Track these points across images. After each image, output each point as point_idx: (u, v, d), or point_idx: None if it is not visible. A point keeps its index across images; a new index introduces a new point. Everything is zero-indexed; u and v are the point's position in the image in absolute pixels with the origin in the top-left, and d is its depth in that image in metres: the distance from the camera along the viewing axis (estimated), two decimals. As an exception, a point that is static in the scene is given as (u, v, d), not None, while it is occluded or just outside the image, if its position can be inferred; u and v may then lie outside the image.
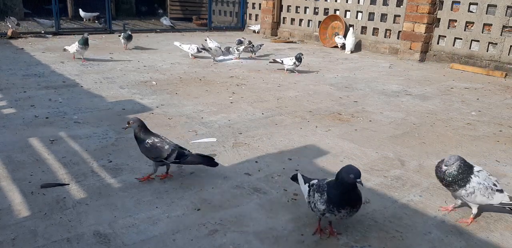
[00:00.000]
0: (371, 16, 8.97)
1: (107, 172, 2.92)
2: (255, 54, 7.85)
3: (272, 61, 6.61)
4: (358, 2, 9.13)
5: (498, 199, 2.44)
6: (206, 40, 7.75)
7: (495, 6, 6.95)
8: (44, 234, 2.20)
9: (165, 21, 11.82)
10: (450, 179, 2.46)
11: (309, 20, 10.39)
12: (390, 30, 8.65)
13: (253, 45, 7.71)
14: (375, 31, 8.96)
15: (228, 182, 2.86)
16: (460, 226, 2.43)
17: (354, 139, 3.76)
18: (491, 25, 7.04)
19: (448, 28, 7.65)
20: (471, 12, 7.32)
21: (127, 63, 6.79)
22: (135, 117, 2.84)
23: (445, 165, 2.47)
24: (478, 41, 7.27)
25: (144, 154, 2.81)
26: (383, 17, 8.74)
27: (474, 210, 2.50)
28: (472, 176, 2.45)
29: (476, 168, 2.49)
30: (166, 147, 2.77)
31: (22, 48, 7.73)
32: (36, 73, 5.80)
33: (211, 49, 7.20)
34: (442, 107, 4.93)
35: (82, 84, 5.32)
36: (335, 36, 9.39)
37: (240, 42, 7.97)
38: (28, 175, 2.83)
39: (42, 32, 9.73)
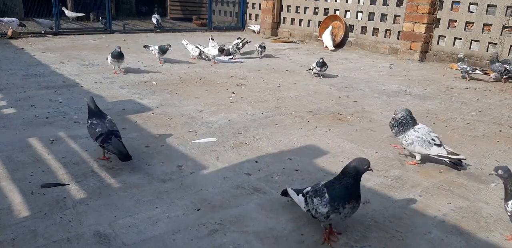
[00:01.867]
0: (371, 16, 8.98)
1: (107, 172, 2.92)
2: (261, 54, 7.80)
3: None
4: (358, 2, 9.13)
5: (435, 151, 3.08)
6: (209, 39, 7.74)
7: (495, 6, 6.96)
8: (44, 234, 2.20)
9: (153, 20, 11.79)
10: (393, 122, 3.16)
11: (309, 20, 10.39)
12: (390, 30, 8.66)
13: (241, 45, 7.64)
14: (375, 31, 8.96)
15: (228, 182, 2.86)
16: (460, 226, 2.43)
17: (354, 139, 3.76)
18: (491, 25, 7.04)
19: (448, 28, 7.66)
20: (471, 12, 7.32)
21: (127, 63, 6.78)
22: (90, 96, 3.24)
23: (394, 114, 3.19)
24: (478, 41, 7.28)
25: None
26: (383, 17, 8.75)
27: (418, 157, 3.21)
28: (412, 130, 3.12)
29: (419, 125, 3.15)
30: (98, 130, 3.02)
31: (22, 48, 7.73)
32: (36, 73, 5.80)
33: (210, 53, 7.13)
34: (442, 107, 4.93)
35: (82, 84, 5.32)
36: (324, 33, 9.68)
37: (221, 50, 7.14)
38: (28, 175, 2.83)
39: (42, 32, 9.74)
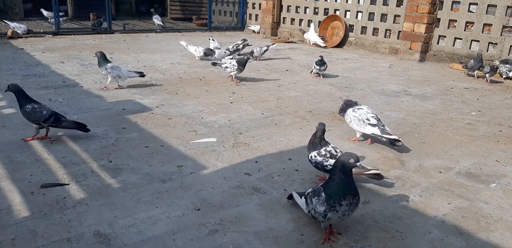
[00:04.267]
0: (371, 16, 8.98)
1: (107, 172, 2.92)
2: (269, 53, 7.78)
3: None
4: (358, 2, 9.14)
5: (370, 130, 3.49)
6: (209, 39, 7.74)
7: (495, 6, 6.96)
8: (44, 234, 2.20)
9: (157, 20, 11.75)
10: (338, 109, 3.75)
11: (309, 20, 10.39)
12: (390, 30, 8.66)
13: (242, 46, 7.60)
14: (375, 31, 8.97)
15: (228, 182, 2.86)
16: (460, 226, 2.43)
17: (354, 139, 3.76)
18: (491, 25, 7.04)
19: (448, 28, 7.66)
20: (471, 12, 7.32)
21: (127, 63, 6.78)
22: (14, 83, 3.45)
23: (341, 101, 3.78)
24: (478, 41, 7.28)
25: (25, 117, 3.34)
26: (383, 17, 8.75)
27: (358, 134, 3.68)
28: (351, 110, 3.61)
29: (358, 106, 3.63)
30: (44, 112, 3.31)
31: (22, 48, 7.73)
32: (36, 73, 5.80)
33: (214, 52, 7.01)
34: (442, 107, 4.93)
35: (82, 84, 5.32)
36: (303, 33, 10.06)
37: (206, 53, 7.02)
38: (28, 175, 2.83)
39: (41, 31, 9.74)
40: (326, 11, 9.93)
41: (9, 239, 2.16)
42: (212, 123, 4.05)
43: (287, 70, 6.79)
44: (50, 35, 9.52)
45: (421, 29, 7.77)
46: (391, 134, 3.44)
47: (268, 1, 11.01)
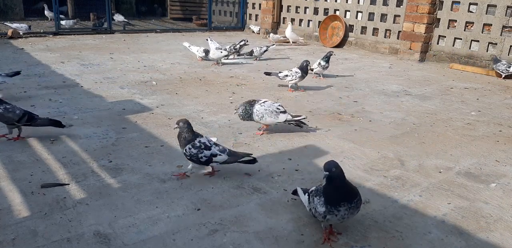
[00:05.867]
0: (371, 16, 8.98)
1: (107, 172, 2.92)
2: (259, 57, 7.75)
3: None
4: (358, 2, 9.13)
5: (283, 118, 3.62)
6: (207, 40, 7.72)
7: (495, 6, 6.96)
8: (44, 234, 2.20)
9: (119, 17, 11.64)
10: (241, 116, 3.65)
11: (309, 20, 10.39)
12: (390, 30, 8.66)
13: (239, 46, 7.56)
14: (375, 31, 8.97)
15: (228, 182, 2.86)
16: (460, 226, 2.43)
17: (354, 139, 3.76)
18: (491, 25, 7.04)
19: (448, 28, 7.66)
20: (471, 12, 7.32)
21: (127, 63, 6.79)
22: None
23: (235, 109, 3.71)
24: (478, 41, 7.28)
25: None
26: (383, 17, 8.75)
27: (264, 126, 3.73)
28: (258, 105, 3.57)
29: (261, 101, 3.61)
30: (18, 112, 3.33)
31: (22, 48, 7.73)
32: (36, 73, 5.80)
33: (209, 53, 6.97)
34: (442, 107, 4.94)
35: (82, 84, 5.32)
36: (267, 34, 10.36)
37: (206, 52, 7.04)
38: (28, 175, 2.83)
39: (42, 31, 9.74)
40: (326, 11, 9.93)
41: (9, 239, 2.16)
42: (212, 123, 4.05)
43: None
44: (50, 35, 9.52)
45: (421, 29, 7.77)
46: (300, 116, 3.72)
47: (268, 1, 11.01)
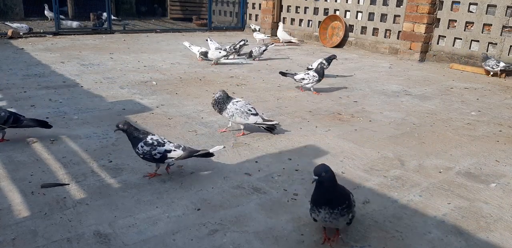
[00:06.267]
0: (371, 16, 8.98)
1: (107, 172, 2.92)
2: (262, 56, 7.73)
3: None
4: (358, 2, 9.14)
5: (253, 120, 3.61)
6: (207, 40, 7.73)
7: (495, 6, 6.96)
8: (44, 234, 2.20)
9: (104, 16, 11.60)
10: (213, 102, 3.61)
11: (309, 20, 10.40)
12: (390, 30, 8.66)
13: (239, 46, 7.55)
14: (375, 31, 8.97)
15: (228, 182, 2.86)
16: (460, 226, 2.43)
17: (354, 139, 3.76)
18: (491, 25, 7.04)
19: (448, 28, 7.66)
20: (471, 12, 7.32)
21: (127, 63, 6.79)
22: None
23: (213, 94, 3.67)
24: (478, 41, 7.28)
25: None
26: (383, 17, 8.75)
27: (242, 127, 3.70)
28: (231, 104, 3.58)
29: (235, 100, 3.62)
30: (2, 114, 3.26)
31: (22, 48, 7.73)
32: (36, 73, 5.80)
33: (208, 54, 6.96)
34: (442, 107, 4.94)
35: (82, 84, 5.32)
36: (254, 31, 10.34)
37: (205, 54, 7.04)
38: (28, 175, 2.83)
39: (42, 31, 9.74)
40: (326, 11, 9.93)
41: (9, 239, 2.16)
42: (212, 123, 4.05)
43: (287, 70, 6.78)
44: (50, 35, 9.52)
45: (421, 29, 7.77)
46: (272, 120, 3.72)
47: (268, 1, 11.01)
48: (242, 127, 3.72)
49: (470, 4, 7.30)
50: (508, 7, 6.82)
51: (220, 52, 6.90)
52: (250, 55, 7.52)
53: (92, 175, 2.87)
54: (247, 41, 7.79)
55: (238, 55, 7.69)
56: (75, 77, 5.68)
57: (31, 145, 3.34)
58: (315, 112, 4.54)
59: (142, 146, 2.75)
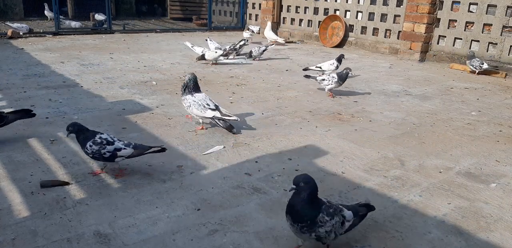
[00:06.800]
0: (371, 16, 8.98)
1: (107, 172, 2.92)
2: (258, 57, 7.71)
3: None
4: (358, 2, 9.14)
5: (210, 114, 3.63)
6: (206, 40, 7.72)
7: (495, 6, 6.96)
8: (44, 234, 2.20)
9: (100, 16, 11.54)
10: (182, 84, 3.75)
11: (309, 20, 10.39)
12: (390, 30, 8.66)
13: (239, 46, 7.52)
14: (375, 31, 8.97)
15: (228, 182, 2.86)
16: (460, 226, 2.43)
17: (354, 139, 3.76)
18: (491, 25, 7.04)
19: (448, 28, 7.66)
20: (471, 12, 7.32)
21: (127, 63, 6.79)
22: None
23: (183, 76, 3.80)
24: (478, 41, 7.28)
25: None
26: (383, 17, 8.75)
27: (200, 120, 3.80)
28: (190, 95, 3.67)
29: (199, 93, 3.71)
30: None
31: (22, 48, 7.73)
32: (36, 73, 5.80)
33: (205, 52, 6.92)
34: (442, 107, 4.93)
35: (82, 84, 5.32)
36: (245, 30, 10.58)
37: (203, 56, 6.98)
38: (28, 175, 2.83)
39: (41, 31, 9.74)
40: (326, 11, 9.93)
41: (9, 239, 2.16)
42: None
43: (287, 70, 6.79)
44: (50, 35, 9.52)
45: (421, 29, 7.77)
46: (231, 116, 3.67)
47: (268, 1, 11.01)
48: (200, 120, 3.81)
49: (470, 4, 7.29)
50: (508, 7, 6.82)
51: (216, 52, 6.88)
52: (250, 55, 7.52)
53: (92, 175, 2.87)
54: (247, 41, 7.80)
55: (238, 55, 7.68)
56: (75, 77, 5.68)
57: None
58: (315, 112, 4.54)
59: (90, 146, 2.71)
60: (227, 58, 7.42)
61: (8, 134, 3.55)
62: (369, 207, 2.25)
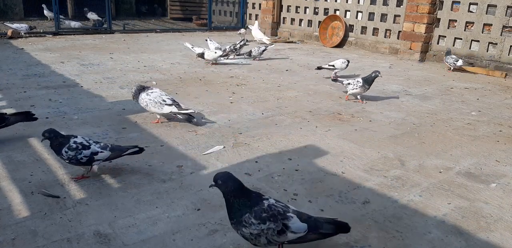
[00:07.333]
0: (371, 16, 8.98)
1: (107, 172, 2.92)
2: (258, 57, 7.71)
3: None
4: (358, 2, 9.14)
5: (167, 110, 3.73)
6: (206, 40, 7.72)
7: (495, 6, 6.96)
8: (44, 234, 2.20)
9: (92, 16, 11.54)
10: (132, 94, 3.90)
11: (309, 20, 10.40)
12: (390, 30, 8.66)
13: (239, 46, 7.50)
14: (375, 31, 8.97)
15: (228, 182, 2.85)
16: (460, 226, 2.43)
17: (354, 139, 3.76)
18: (491, 25, 7.04)
19: (448, 28, 7.66)
20: (471, 12, 7.32)
21: (127, 63, 6.79)
22: None
23: (133, 86, 3.96)
24: (478, 41, 7.28)
25: None
26: (383, 17, 8.75)
27: (158, 116, 3.89)
28: (144, 94, 3.79)
29: (150, 90, 3.84)
30: None
31: (22, 48, 7.73)
32: (36, 73, 5.80)
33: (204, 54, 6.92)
34: (442, 107, 4.93)
35: (82, 84, 5.32)
36: (241, 29, 10.52)
37: (201, 55, 6.95)
38: (28, 175, 2.83)
39: (41, 31, 9.74)
40: (326, 11, 9.93)
41: (9, 239, 2.16)
42: (212, 123, 4.05)
43: (287, 70, 6.79)
44: (50, 35, 9.52)
45: (421, 29, 7.77)
46: (188, 109, 3.79)
47: (268, 1, 11.02)
48: (158, 116, 3.91)
49: (470, 4, 7.29)
50: (508, 7, 6.82)
51: (216, 52, 6.87)
52: (249, 55, 7.52)
53: (92, 175, 2.87)
54: (247, 41, 7.79)
55: (238, 55, 7.68)
56: (75, 77, 5.68)
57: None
58: (315, 112, 4.54)
59: (66, 152, 2.65)
60: (227, 58, 7.42)
61: (8, 134, 3.55)
62: (341, 228, 2.02)
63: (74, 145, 2.68)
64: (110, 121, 3.98)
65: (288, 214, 1.94)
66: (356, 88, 4.84)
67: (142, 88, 3.88)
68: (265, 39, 9.56)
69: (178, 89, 5.30)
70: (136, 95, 3.86)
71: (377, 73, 4.75)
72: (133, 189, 2.71)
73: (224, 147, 3.46)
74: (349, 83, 4.91)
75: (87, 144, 2.72)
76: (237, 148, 3.45)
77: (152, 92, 3.82)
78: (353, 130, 4.01)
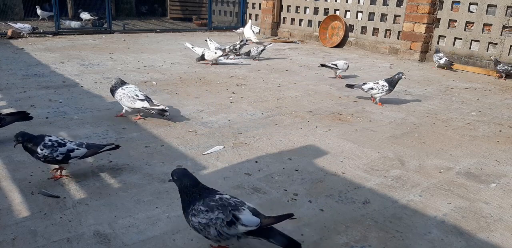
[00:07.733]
0: (371, 16, 8.98)
1: (107, 172, 2.92)
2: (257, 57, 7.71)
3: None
4: (358, 2, 9.14)
5: (139, 105, 3.86)
6: (206, 40, 7.72)
7: (495, 6, 6.96)
8: (44, 234, 2.20)
9: (84, 15, 11.54)
10: (111, 88, 4.06)
11: (309, 20, 10.40)
12: (390, 30, 8.66)
13: (239, 46, 7.49)
14: (375, 31, 8.97)
15: (228, 182, 2.86)
16: (460, 226, 2.43)
17: (354, 139, 3.76)
18: (491, 25, 7.04)
19: (448, 28, 7.66)
20: (471, 12, 7.32)
21: (127, 63, 6.79)
22: None
23: (113, 79, 4.15)
24: (478, 41, 7.28)
25: None
26: (383, 17, 8.75)
27: (123, 110, 4.04)
28: (120, 89, 3.95)
29: (126, 85, 4.00)
30: None
31: (22, 48, 7.73)
32: (36, 73, 5.80)
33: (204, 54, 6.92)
34: (442, 107, 4.93)
35: (82, 84, 5.32)
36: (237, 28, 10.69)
37: (202, 56, 6.93)
38: (28, 175, 2.83)
39: (41, 31, 9.74)
40: (326, 11, 9.93)
41: (9, 239, 2.15)
42: (212, 123, 4.05)
43: (287, 70, 6.79)
44: (50, 35, 9.52)
45: (421, 29, 7.77)
46: (159, 106, 3.89)
47: (268, 1, 11.02)
48: (129, 110, 4.01)
49: (470, 4, 7.30)
50: (508, 7, 6.82)
51: (216, 53, 6.86)
52: (248, 54, 7.52)
53: (92, 175, 2.87)
54: (247, 41, 7.79)
55: (238, 55, 7.68)
56: (75, 77, 5.68)
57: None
58: (315, 112, 4.54)
59: (42, 149, 2.63)
60: (227, 58, 7.42)
61: (8, 134, 3.55)
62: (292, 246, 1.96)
63: (50, 143, 2.67)
64: (110, 121, 3.98)
65: (240, 207, 1.96)
66: (382, 92, 4.69)
67: (121, 83, 4.02)
68: (253, 38, 9.58)
69: (178, 89, 5.30)
70: (116, 88, 3.99)
71: (401, 74, 4.61)
72: (133, 189, 2.71)
73: (224, 147, 3.46)
74: (371, 88, 4.71)
75: (62, 142, 2.72)
76: (237, 148, 3.45)
77: (127, 87, 3.98)
78: (353, 130, 4.01)
